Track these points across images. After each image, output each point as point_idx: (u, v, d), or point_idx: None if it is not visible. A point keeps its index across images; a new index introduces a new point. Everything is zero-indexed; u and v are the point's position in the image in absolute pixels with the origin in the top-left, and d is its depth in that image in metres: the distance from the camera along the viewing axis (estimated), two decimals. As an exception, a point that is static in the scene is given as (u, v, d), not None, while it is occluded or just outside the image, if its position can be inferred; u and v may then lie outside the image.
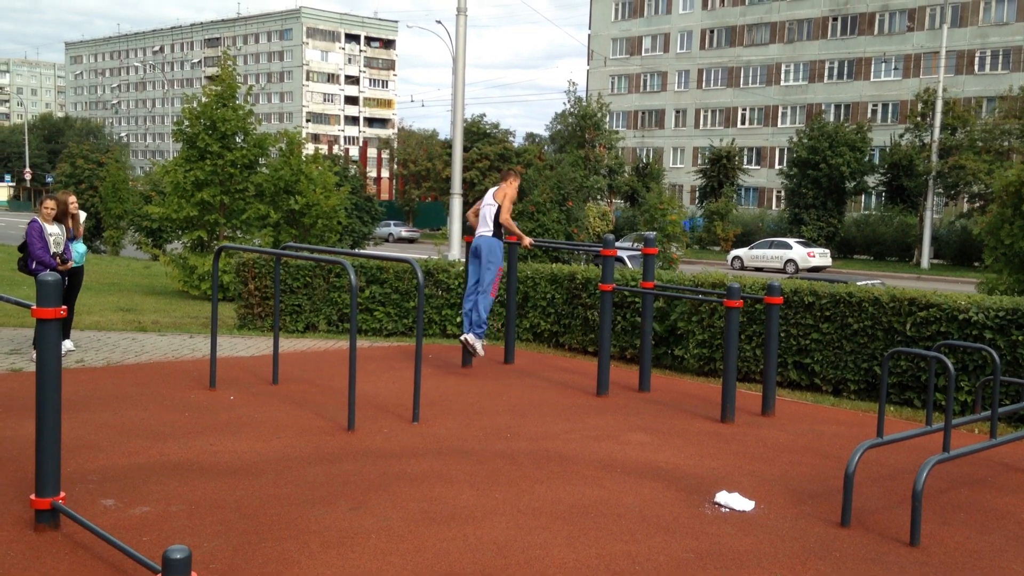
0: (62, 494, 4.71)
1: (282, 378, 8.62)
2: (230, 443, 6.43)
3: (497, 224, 9.38)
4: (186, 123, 17.91)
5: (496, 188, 9.59)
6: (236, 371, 9.00)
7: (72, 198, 9.92)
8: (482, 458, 6.29)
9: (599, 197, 48.52)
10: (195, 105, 17.93)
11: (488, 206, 9.47)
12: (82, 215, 10.16)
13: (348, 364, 6.89)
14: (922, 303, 8.58)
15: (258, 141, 18.25)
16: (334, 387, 8.34)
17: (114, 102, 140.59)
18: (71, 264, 9.64)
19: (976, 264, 38.07)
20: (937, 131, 41.81)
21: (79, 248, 9.93)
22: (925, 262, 42.21)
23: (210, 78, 19.18)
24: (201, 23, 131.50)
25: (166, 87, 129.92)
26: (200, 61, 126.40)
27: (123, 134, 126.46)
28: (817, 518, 5.33)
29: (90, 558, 4.36)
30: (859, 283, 10.44)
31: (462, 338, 9.37)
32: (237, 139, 18.15)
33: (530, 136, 70.83)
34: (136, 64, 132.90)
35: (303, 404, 7.73)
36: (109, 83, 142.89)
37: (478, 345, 9.31)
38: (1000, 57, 56.31)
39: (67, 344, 9.81)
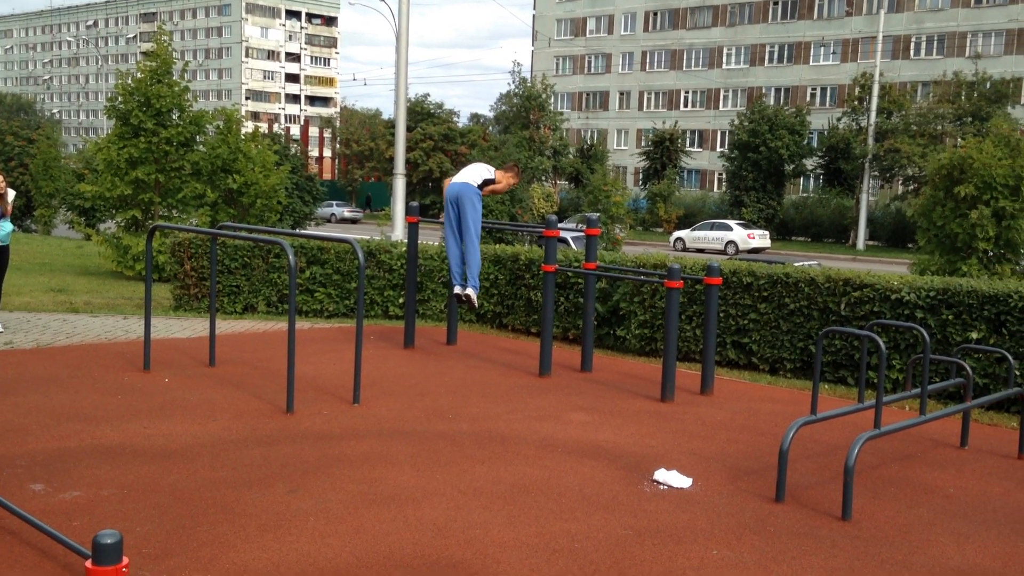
0: (-13, 480, 4.57)
1: (219, 360, 8.47)
2: (164, 426, 6.30)
3: (481, 185, 8.98)
4: (119, 99, 17.45)
5: (497, 168, 9.26)
6: (171, 353, 8.83)
7: None
8: (423, 439, 6.27)
9: (543, 178, 48.64)
10: (129, 81, 17.47)
11: (484, 168, 9.09)
12: (11, 193, 9.84)
13: (287, 345, 6.80)
14: (856, 283, 8.76)
15: (194, 118, 17.84)
16: (273, 369, 8.23)
17: (46, 78, 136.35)
18: (-2, 244, 9.35)
19: (910, 245, 39.01)
20: (873, 115, 42.65)
21: (5, 227, 9.63)
22: (861, 243, 43.14)
23: (145, 54, 18.66)
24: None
25: (100, 63, 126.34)
26: (135, 36, 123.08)
27: (55, 111, 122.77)
28: (753, 494, 5.42)
29: (18, 544, 4.24)
30: (796, 264, 10.62)
31: (457, 291, 8.84)
32: (173, 116, 17.73)
33: (475, 117, 70.49)
34: (69, 39, 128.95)
35: (240, 386, 7.61)
36: (41, 58, 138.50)
37: (474, 297, 8.80)
38: (935, 42, 57.53)
39: (-5, 326, 9.52)
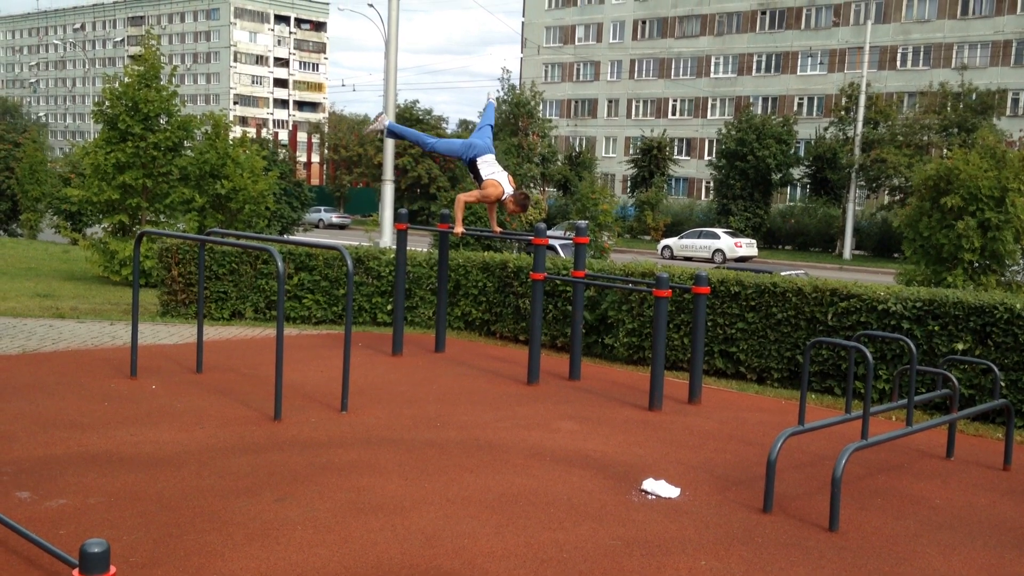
0: (-28, 488, 4.54)
1: (206, 366, 8.44)
2: (151, 433, 6.27)
3: (474, 167, 8.80)
4: (107, 103, 17.39)
5: (509, 181, 8.85)
6: (158, 359, 8.79)
7: None
8: (411, 447, 6.26)
9: (532, 185, 48.66)
10: (116, 85, 17.41)
11: (498, 172, 8.83)
12: None
13: (275, 352, 6.78)
14: (843, 294, 8.80)
15: (182, 123, 17.80)
16: (260, 376, 8.20)
17: (32, 81, 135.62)
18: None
19: (896, 255, 39.19)
20: (860, 125, 42.86)
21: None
22: (847, 253, 43.32)
23: (133, 58, 18.61)
24: (124, 0, 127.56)
25: (87, 66, 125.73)
26: (123, 40, 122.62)
27: (42, 114, 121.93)
28: (740, 504, 5.44)
29: (4, 552, 4.21)
30: (783, 273, 10.67)
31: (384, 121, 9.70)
32: (160, 121, 17.68)
33: (463, 123, 70.54)
34: (56, 42, 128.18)
35: (228, 393, 7.58)
36: (27, 61, 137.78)
37: (375, 124, 9.57)
38: (921, 53, 57.93)
39: (-20, 331, 9.46)
